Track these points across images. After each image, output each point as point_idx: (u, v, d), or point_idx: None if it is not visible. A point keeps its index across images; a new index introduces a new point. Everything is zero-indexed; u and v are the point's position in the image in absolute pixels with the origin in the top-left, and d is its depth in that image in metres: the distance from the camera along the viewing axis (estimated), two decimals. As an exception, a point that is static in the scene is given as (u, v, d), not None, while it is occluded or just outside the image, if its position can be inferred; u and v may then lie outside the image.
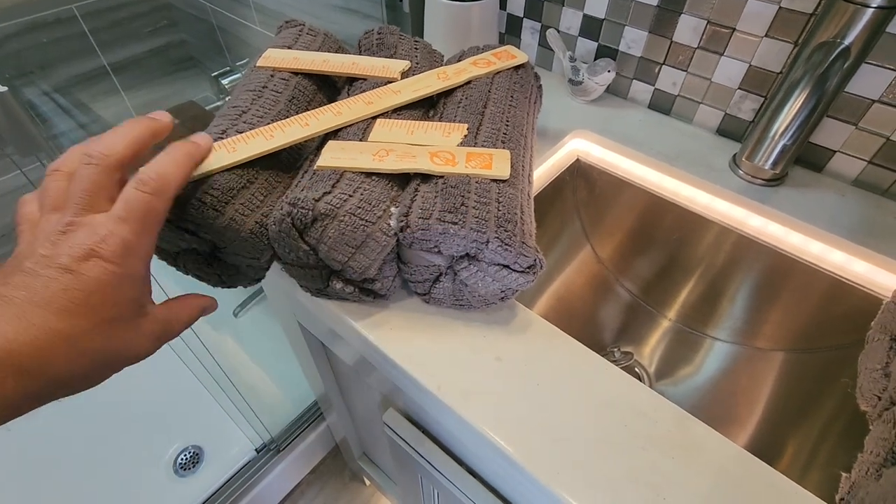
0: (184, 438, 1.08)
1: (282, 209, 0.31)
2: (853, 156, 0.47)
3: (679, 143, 0.53)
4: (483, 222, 0.31)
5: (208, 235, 0.31)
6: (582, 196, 0.57)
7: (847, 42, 0.38)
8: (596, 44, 0.58)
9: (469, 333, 0.35)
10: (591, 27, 0.57)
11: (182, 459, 1.05)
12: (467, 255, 0.32)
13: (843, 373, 0.45)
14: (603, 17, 0.55)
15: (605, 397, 0.32)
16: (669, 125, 0.56)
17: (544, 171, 0.53)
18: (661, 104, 0.57)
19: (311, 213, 0.30)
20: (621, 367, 0.53)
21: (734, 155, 0.50)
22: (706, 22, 0.49)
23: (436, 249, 0.32)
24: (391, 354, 0.34)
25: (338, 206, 0.31)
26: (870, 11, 0.36)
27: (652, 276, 0.57)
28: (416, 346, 0.35)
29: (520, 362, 0.34)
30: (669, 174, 0.51)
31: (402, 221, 0.32)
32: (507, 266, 0.32)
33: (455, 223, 0.31)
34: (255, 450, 1.02)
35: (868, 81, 0.43)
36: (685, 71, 0.53)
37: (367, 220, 0.31)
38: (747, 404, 0.50)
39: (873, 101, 0.44)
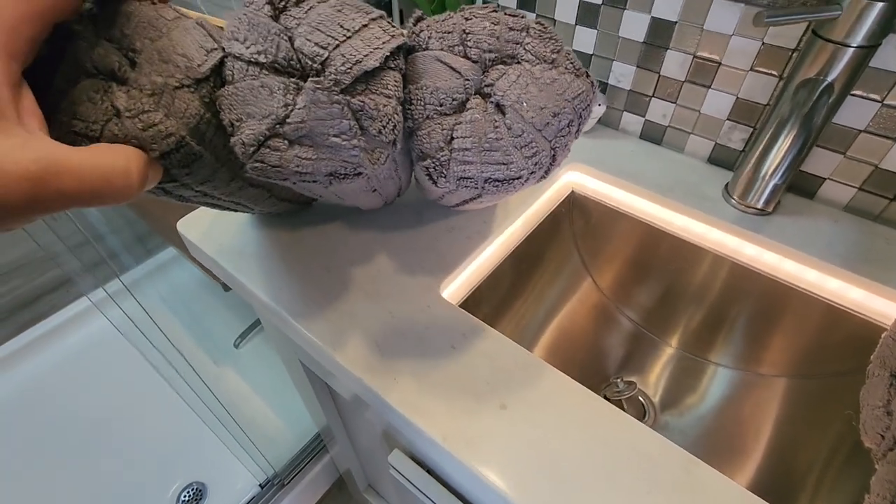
0: (186, 475, 1.06)
1: None
2: (843, 183, 0.48)
3: (672, 173, 0.54)
4: (517, 17, 0.27)
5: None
6: (579, 228, 0.58)
7: (830, 79, 0.39)
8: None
9: (471, 380, 0.36)
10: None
11: (185, 497, 1.03)
12: (502, 61, 0.27)
13: (845, 399, 0.46)
14: (591, 52, 0.56)
15: (611, 442, 0.32)
16: (661, 155, 0.57)
17: (541, 205, 0.53)
18: (653, 134, 0.58)
19: None
20: (625, 398, 0.54)
21: (726, 184, 0.51)
22: (692, 57, 0.50)
23: (460, 48, 0.27)
24: (396, 405, 0.34)
25: None
26: (850, 50, 0.37)
27: (653, 304, 0.57)
28: (420, 395, 0.35)
29: (525, 409, 0.34)
30: (663, 205, 0.52)
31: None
32: (553, 64, 0.27)
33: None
34: (259, 485, 1.00)
35: (854, 112, 0.44)
36: (674, 103, 0.54)
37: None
38: (753, 433, 0.49)
39: (860, 131, 0.44)
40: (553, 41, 0.28)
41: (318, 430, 1.05)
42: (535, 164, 0.27)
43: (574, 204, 0.57)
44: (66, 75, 0.23)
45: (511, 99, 0.26)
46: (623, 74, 0.56)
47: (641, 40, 0.52)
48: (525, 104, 0.26)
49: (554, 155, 0.28)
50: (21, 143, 0.17)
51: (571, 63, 0.28)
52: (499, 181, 0.28)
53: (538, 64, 0.27)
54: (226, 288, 0.92)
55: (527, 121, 0.26)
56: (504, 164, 0.27)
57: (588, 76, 0.28)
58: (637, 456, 0.32)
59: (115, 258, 1.30)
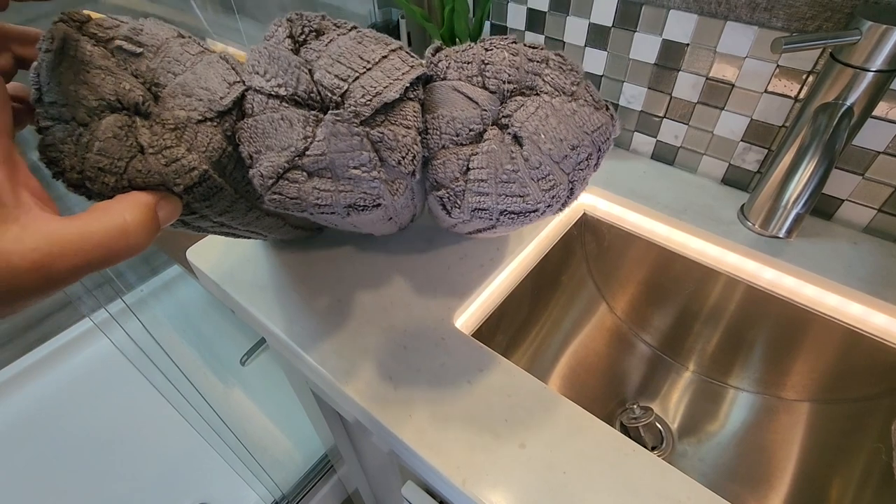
0: (193, 497, 1.05)
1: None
2: (862, 204, 0.47)
3: (685, 194, 0.53)
4: (537, 49, 0.27)
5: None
6: (591, 251, 0.57)
7: (850, 102, 0.38)
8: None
9: (489, 418, 0.35)
10: (589, 83, 0.58)
11: (192, 520, 1.02)
12: (521, 92, 0.27)
13: (873, 425, 0.44)
14: (602, 74, 0.56)
15: (636, 483, 0.31)
16: (674, 175, 0.56)
17: (553, 228, 0.52)
18: (664, 155, 0.57)
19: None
20: (642, 425, 0.53)
21: (742, 206, 0.50)
22: (705, 78, 0.49)
23: (479, 78, 0.27)
24: (415, 447, 0.33)
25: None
26: (870, 75, 0.37)
27: (669, 327, 0.56)
28: (438, 435, 0.34)
29: (545, 448, 0.33)
30: (677, 227, 0.51)
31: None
32: (573, 96, 0.26)
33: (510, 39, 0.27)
34: (267, 508, 0.99)
35: (872, 134, 0.43)
36: (686, 124, 0.53)
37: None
38: (776, 461, 0.48)
39: (879, 153, 0.44)
40: (573, 73, 0.27)
41: (326, 451, 1.04)
42: (553, 198, 0.27)
43: (586, 226, 0.56)
44: (91, 110, 0.23)
45: (529, 130, 0.26)
46: (634, 96, 0.55)
47: (653, 62, 0.51)
48: (543, 136, 0.26)
49: (572, 188, 0.28)
50: (20, 230, 0.17)
51: (591, 95, 0.27)
52: (514, 213, 0.28)
53: (557, 96, 0.27)
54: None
55: (544, 153, 0.26)
56: (520, 196, 0.27)
57: (608, 109, 0.27)
58: (664, 499, 0.30)
59: (121, 277, 1.30)
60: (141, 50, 0.24)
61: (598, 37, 0.54)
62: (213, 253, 0.47)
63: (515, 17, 0.59)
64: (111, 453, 1.12)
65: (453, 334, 0.40)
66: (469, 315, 0.44)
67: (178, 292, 1.41)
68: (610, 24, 0.52)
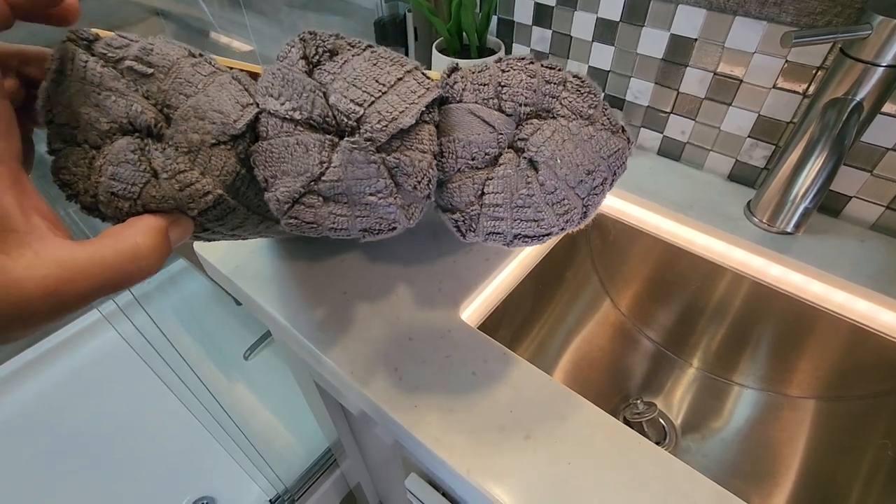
0: (196, 490, 1.06)
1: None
2: (870, 201, 0.47)
3: (691, 191, 0.53)
4: (554, 70, 0.27)
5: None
6: (596, 246, 0.57)
7: (859, 98, 0.38)
8: (602, 94, 0.58)
9: (494, 409, 0.35)
10: (596, 79, 0.58)
11: (195, 512, 1.03)
12: (537, 115, 0.27)
13: (879, 422, 0.44)
14: (608, 69, 0.56)
15: (640, 475, 0.31)
16: (680, 171, 0.56)
17: (558, 223, 0.52)
18: (671, 151, 0.57)
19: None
20: (646, 420, 0.53)
21: (748, 202, 0.50)
22: (712, 74, 0.49)
23: (495, 101, 0.26)
24: (420, 438, 0.33)
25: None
26: (881, 70, 0.37)
27: (673, 323, 0.56)
28: (443, 425, 0.34)
29: (549, 440, 0.33)
30: (683, 223, 0.51)
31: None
32: (590, 120, 0.26)
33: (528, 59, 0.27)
34: (270, 500, 1.00)
35: (881, 130, 0.43)
36: (693, 120, 0.53)
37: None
38: (781, 457, 0.48)
39: (887, 149, 0.43)
40: (591, 96, 0.27)
41: (329, 445, 1.04)
42: (567, 221, 0.27)
43: (591, 222, 0.56)
44: (103, 133, 0.23)
45: (545, 155, 0.26)
46: (640, 91, 0.55)
47: (660, 57, 0.51)
48: (559, 160, 0.26)
49: (585, 212, 0.28)
50: (33, 256, 0.17)
51: (608, 119, 0.27)
52: (528, 237, 0.28)
53: (574, 119, 0.26)
54: (238, 302, 0.92)
55: (560, 178, 0.26)
56: (535, 220, 0.27)
57: (624, 132, 0.27)
58: (669, 490, 0.31)
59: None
60: (152, 71, 0.24)
61: (605, 31, 0.54)
62: (220, 245, 0.47)
63: (522, 12, 0.59)
64: (116, 444, 1.13)
65: (459, 326, 0.40)
66: (475, 307, 0.44)
67: (182, 286, 1.41)
68: (618, 19, 0.52)
